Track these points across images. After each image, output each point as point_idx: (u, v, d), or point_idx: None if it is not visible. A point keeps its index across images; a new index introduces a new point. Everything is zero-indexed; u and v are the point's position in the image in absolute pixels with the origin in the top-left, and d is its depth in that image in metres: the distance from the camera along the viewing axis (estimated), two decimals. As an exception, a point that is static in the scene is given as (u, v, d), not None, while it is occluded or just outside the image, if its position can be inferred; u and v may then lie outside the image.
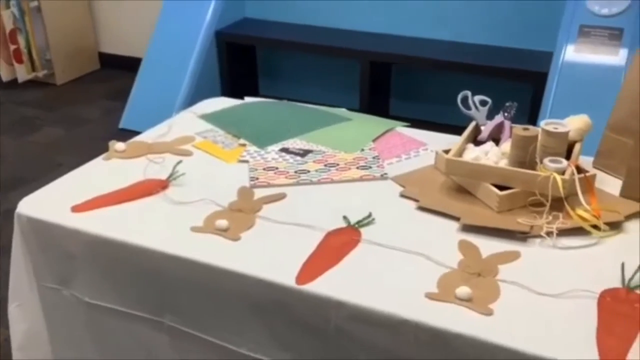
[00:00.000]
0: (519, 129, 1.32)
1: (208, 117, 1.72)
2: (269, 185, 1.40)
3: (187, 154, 1.54)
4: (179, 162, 1.45)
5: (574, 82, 2.70)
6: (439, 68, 3.23)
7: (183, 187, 1.39)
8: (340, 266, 1.15)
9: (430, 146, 1.58)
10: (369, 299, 1.06)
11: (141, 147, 1.57)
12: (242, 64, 3.68)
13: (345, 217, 1.28)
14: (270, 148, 1.56)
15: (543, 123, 1.34)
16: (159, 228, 1.26)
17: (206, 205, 1.31)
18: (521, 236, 1.22)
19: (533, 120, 2.73)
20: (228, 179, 1.43)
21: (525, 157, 1.30)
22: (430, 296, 1.07)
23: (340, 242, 1.21)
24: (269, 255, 1.18)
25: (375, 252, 1.18)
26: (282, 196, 1.36)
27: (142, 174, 1.44)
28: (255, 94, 3.81)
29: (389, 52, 3.19)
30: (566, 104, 2.78)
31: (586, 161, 1.48)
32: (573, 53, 2.76)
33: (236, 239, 1.22)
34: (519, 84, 3.00)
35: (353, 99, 3.34)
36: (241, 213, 1.29)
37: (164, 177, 1.42)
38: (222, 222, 1.24)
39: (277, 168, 1.47)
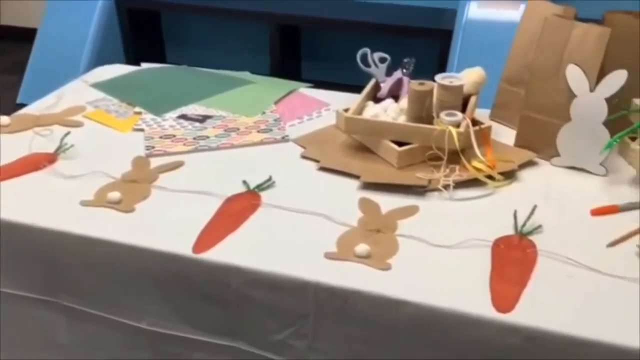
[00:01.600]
0: (414, 84, 1.32)
1: (100, 86, 1.63)
2: (165, 154, 1.35)
3: (77, 124, 1.45)
4: (67, 133, 1.37)
5: (477, 38, 2.75)
6: (348, 29, 3.21)
7: (73, 160, 1.31)
8: (239, 232, 1.12)
9: (333, 106, 1.56)
10: (268, 263, 1.04)
11: (27, 119, 1.47)
12: (147, 31, 3.53)
13: (244, 182, 1.24)
14: (167, 115, 1.50)
15: (438, 77, 1.35)
16: (46, 204, 1.19)
17: (98, 178, 1.25)
18: (420, 190, 1.23)
19: (441, 77, 2.76)
20: (122, 149, 1.36)
21: (422, 112, 1.31)
22: (329, 256, 1.06)
23: (239, 208, 1.18)
24: (164, 225, 1.14)
25: (275, 215, 1.16)
26: (179, 164, 1.31)
27: (28, 149, 1.35)
28: (162, 62, 3.68)
29: (298, 15, 3.13)
30: (471, 60, 2.80)
31: (484, 113, 1.51)
32: (476, 10, 2.80)
33: (129, 210, 1.16)
34: (427, 41, 3.03)
35: (264, 64, 3.28)
36: (135, 184, 1.23)
37: (51, 150, 1.33)
38: (115, 195, 1.18)
39: (174, 136, 1.41)
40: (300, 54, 3.46)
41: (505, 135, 1.42)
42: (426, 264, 1.04)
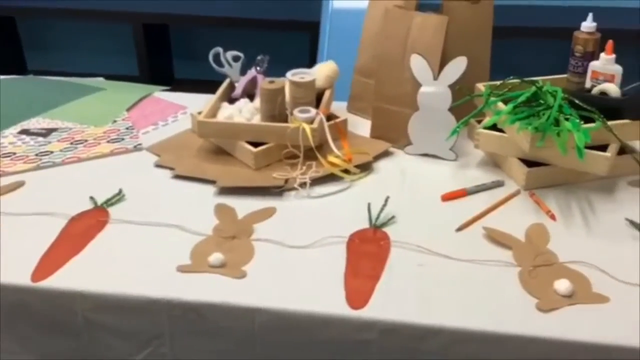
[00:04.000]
0: (265, 83, 1.30)
1: None
2: (4, 174, 1.24)
3: None
4: None
5: (345, 29, 2.75)
6: (217, 25, 3.14)
7: None
8: (84, 253, 1.05)
9: (190, 109, 1.51)
10: (114, 285, 0.98)
11: None
12: (2, 38, 3.29)
13: (92, 198, 1.17)
14: (7, 132, 1.38)
15: (289, 74, 1.33)
16: None
17: None
18: (277, 191, 1.21)
19: (312, 69, 2.76)
20: (-47, 173, 1.25)
21: (274, 110, 1.29)
22: (182, 269, 1.01)
23: (84, 227, 1.10)
24: (2, 254, 1.04)
25: (124, 231, 1.10)
26: (19, 185, 1.22)
27: None
28: (22, 70, 3.45)
29: (162, 12, 3.02)
30: (340, 51, 2.83)
31: (342, 107, 1.52)
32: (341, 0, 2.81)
33: (-41, 242, 1.06)
34: (298, 34, 3.02)
35: (132, 66, 3.15)
36: (-33, 211, 1.13)
37: None
38: (-59, 226, 1.07)
39: (14, 153, 1.31)
40: (171, 52, 3.35)
41: (362, 127, 1.43)
42: (282, 267, 1.02)
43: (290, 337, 0.95)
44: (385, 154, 1.34)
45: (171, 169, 1.28)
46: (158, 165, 1.30)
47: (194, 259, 1.04)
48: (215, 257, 1.02)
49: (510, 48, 2.73)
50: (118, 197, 1.18)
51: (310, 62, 2.97)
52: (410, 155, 1.34)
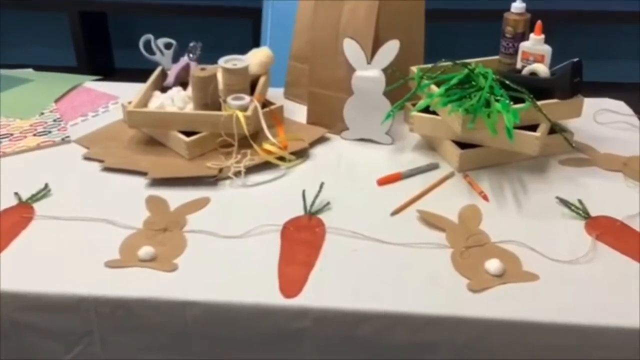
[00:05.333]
0: (196, 70, 1.26)
1: None
2: None
3: None
4: None
5: (287, 15, 2.72)
6: (158, 13, 3.06)
7: None
8: (7, 252, 1.00)
9: (122, 99, 1.46)
10: (40, 284, 0.94)
11: None
12: None
13: (16, 194, 1.12)
14: None
15: (221, 60, 1.30)
16: None
17: None
18: (211, 181, 1.19)
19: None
20: None
21: (206, 98, 1.26)
22: (110, 264, 0.98)
23: (8, 225, 1.06)
24: None
25: (50, 227, 1.06)
26: (-63, 183, 1.16)
27: None
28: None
29: (99, 0, 2.93)
30: (283, 37, 2.83)
31: (279, 93, 1.50)
32: (282, -16, 2.78)
33: None
34: (241, 21, 2.98)
35: (69, 56, 3.05)
36: None
37: None
38: None
39: None
40: (110, 42, 3.26)
41: (299, 113, 1.41)
42: (215, 258, 1.00)
43: (224, 330, 0.94)
44: (322, 139, 1.32)
45: (100, 161, 1.23)
46: (87, 158, 1.25)
47: (123, 253, 1.01)
48: (145, 250, 0.99)
49: (446, 31, 2.76)
50: (44, 193, 1.14)
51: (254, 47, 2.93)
52: (346, 141, 1.33)
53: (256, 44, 2.89)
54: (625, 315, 0.88)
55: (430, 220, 1.07)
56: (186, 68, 1.40)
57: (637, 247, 1.01)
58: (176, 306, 0.92)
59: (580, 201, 1.10)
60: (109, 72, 3.15)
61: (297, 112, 1.41)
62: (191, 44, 1.43)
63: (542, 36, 1.24)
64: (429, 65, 1.28)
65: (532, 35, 1.25)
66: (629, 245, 1.01)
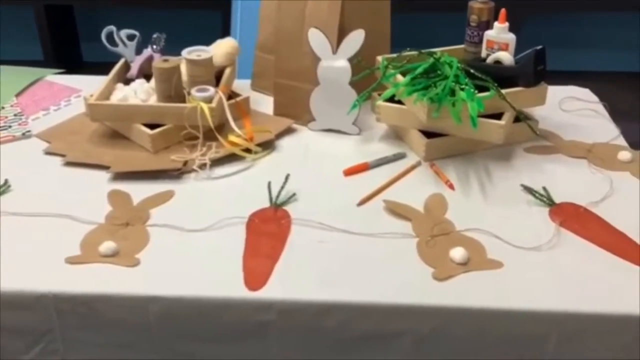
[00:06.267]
0: (159, 62, 1.24)
1: None
2: None
3: None
4: None
5: (257, 6, 2.71)
6: (124, 5, 3.02)
7: None
8: (-37, 250, 0.98)
9: (85, 92, 1.43)
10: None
11: None
12: None
13: (-27, 191, 1.10)
14: None
15: (185, 52, 1.28)
16: None
17: None
18: (176, 174, 1.17)
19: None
20: None
21: (170, 90, 1.24)
22: (71, 260, 0.96)
23: (-35, 222, 1.03)
24: None
25: (10, 224, 1.03)
26: None
27: None
28: None
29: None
30: (253, 29, 2.81)
31: (246, 84, 1.48)
32: (251, -24, 2.75)
33: None
34: (209, 12, 2.94)
35: (36, 50, 2.99)
36: None
37: None
38: None
39: None
40: (78, 34, 3.20)
41: (267, 104, 1.39)
42: (178, 253, 0.99)
43: (188, 325, 0.93)
44: (289, 131, 1.31)
45: (62, 155, 1.21)
46: (48, 153, 1.23)
47: (84, 249, 0.99)
48: (107, 246, 0.97)
49: (415, 22, 2.75)
50: (3, 189, 1.11)
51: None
52: (313, 131, 1.32)
53: (226, 35, 2.87)
54: (588, 301, 0.89)
55: (396, 210, 1.07)
56: (150, 60, 1.38)
57: (599, 232, 1.02)
58: (138, 302, 0.91)
59: (544, 188, 1.11)
60: (76, 66, 3.10)
61: (265, 104, 1.40)
62: (155, 35, 1.41)
63: (506, 24, 1.24)
64: (394, 55, 1.27)
65: (496, 24, 1.24)
66: (592, 231, 1.02)
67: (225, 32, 2.85)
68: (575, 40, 3.10)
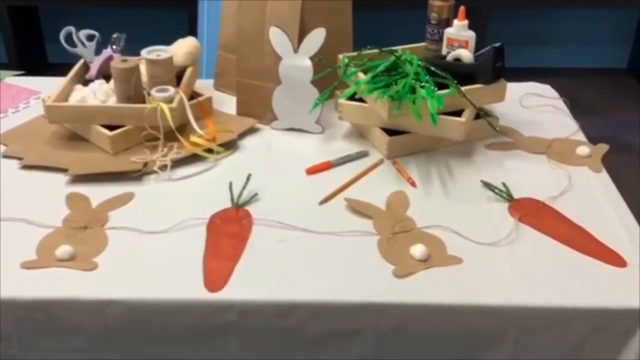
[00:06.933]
0: (117, 62, 1.23)
1: None
2: None
3: None
4: None
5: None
6: (90, 5, 2.97)
7: None
8: None
9: (45, 94, 1.40)
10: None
11: None
12: None
13: None
14: None
15: (144, 51, 1.27)
16: None
17: None
18: (136, 175, 1.15)
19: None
20: None
21: (129, 90, 1.22)
22: (26, 265, 0.94)
23: None
24: None
25: (-37, 229, 1.01)
26: None
27: None
28: None
29: (28, -7, 2.83)
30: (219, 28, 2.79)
31: (209, 84, 1.47)
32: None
33: None
34: (176, 12, 2.91)
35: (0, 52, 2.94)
36: None
37: None
38: None
39: None
40: (43, 36, 3.14)
41: (230, 104, 1.38)
42: (137, 255, 0.97)
43: (147, 328, 0.92)
44: (252, 130, 1.30)
45: (19, 159, 1.19)
46: (5, 156, 1.20)
47: (40, 253, 0.97)
48: (63, 249, 0.96)
49: (379, 20, 2.76)
50: (-43, 193, 1.09)
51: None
52: (276, 131, 1.31)
53: (193, 35, 2.85)
54: (547, 295, 0.90)
55: (357, 208, 1.07)
56: (109, 60, 1.35)
57: (558, 227, 1.03)
58: (96, 306, 0.90)
59: (504, 184, 1.12)
60: (42, 68, 3.05)
61: (228, 103, 1.39)
62: (114, 35, 1.39)
63: (466, 22, 1.25)
64: (356, 53, 1.27)
65: (455, 22, 1.25)
66: (550, 225, 1.03)
67: (191, 31, 2.82)
68: (542, 37, 3.13)
